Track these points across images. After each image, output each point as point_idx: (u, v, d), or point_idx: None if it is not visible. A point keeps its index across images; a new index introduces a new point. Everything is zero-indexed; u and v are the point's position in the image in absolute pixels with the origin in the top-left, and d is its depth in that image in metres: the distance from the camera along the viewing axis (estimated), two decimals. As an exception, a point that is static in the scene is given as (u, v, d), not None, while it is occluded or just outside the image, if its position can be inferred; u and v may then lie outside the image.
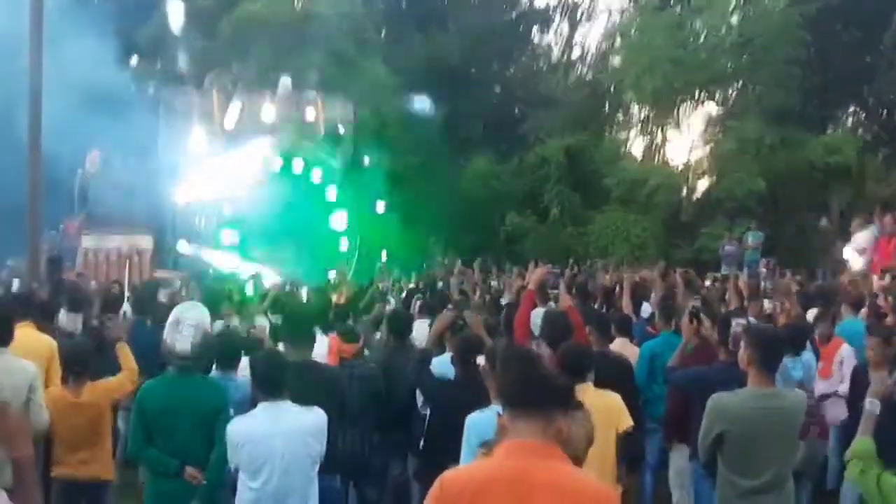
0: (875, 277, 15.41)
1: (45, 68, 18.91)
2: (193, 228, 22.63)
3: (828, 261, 20.47)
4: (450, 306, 9.21)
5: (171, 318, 6.31)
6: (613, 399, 6.03)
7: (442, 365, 7.02)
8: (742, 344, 5.76)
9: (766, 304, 9.78)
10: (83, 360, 6.86)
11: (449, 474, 3.19)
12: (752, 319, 8.32)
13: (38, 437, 6.59)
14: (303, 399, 5.52)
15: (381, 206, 25.21)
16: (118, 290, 13.62)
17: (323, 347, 7.99)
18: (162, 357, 6.41)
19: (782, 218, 27.16)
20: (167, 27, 28.04)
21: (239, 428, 5.42)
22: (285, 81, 24.63)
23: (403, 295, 13.89)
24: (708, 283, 15.08)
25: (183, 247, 21.85)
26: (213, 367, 6.94)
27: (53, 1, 26.80)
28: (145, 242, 20.89)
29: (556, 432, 3.13)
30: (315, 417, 5.45)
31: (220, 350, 6.95)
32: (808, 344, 8.61)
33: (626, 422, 5.98)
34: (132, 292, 11.61)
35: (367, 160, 25.50)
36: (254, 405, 5.62)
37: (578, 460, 3.58)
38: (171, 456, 6.00)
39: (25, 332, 7.44)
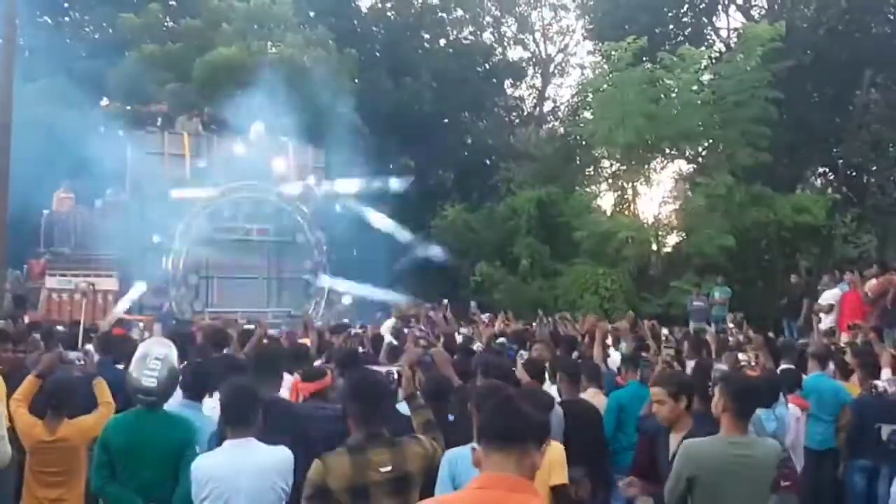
0: (843, 335, 15.54)
1: (15, 106, 18.87)
2: (159, 270, 22.46)
3: (796, 317, 20.56)
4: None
5: (137, 353, 6.22)
6: (554, 449, 5.82)
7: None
8: (716, 391, 5.73)
9: (741, 356, 9.78)
10: (62, 396, 6.75)
11: None
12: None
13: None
14: (268, 437, 5.41)
15: (352, 251, 25.20)
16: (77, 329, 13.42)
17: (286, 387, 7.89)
18: (127, 396, 6.32)
19: (751, 275, 27.29)
20: (138, 69, 28.05)
21: (203, 464, 5.29)
22: (258, 127, 24.62)
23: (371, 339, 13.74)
24: (665, 331, 15.05)
25: (140, 289, 21.61)
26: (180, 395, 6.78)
27: (25, 41, 26.84)
28: (110, 283, 20.74)
29: (531, 466, 3.13)
30: (281, 455, 5.34)
31: (189, 378, 6.81)
32: (781, 397, 8.61)
33: (560, 476, 5.85)
34: (98, 333, 11.40)
35: (337, 206, 25.46)
36: (220, 441, 5.51)
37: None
38: (135, 492, 5.88)
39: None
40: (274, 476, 5.28)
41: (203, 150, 24.14)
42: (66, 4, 35.63)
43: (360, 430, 4.73)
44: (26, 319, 15.65)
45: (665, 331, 14.83)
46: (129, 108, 27.25)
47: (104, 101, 28.77)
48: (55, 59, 26.78)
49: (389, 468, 4.58)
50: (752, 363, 9.31)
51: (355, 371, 6.24)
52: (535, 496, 3.10)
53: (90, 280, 20.52)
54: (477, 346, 11.98)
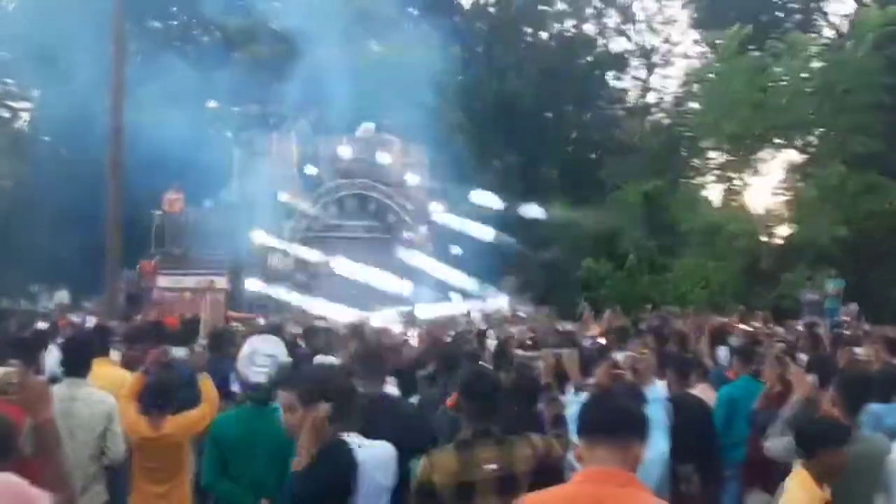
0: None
1: (126, 110, 19.31)
2: (269, 269, 22.79)
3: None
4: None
5: (245, 351, 6.24)
6: None
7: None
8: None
9: (858, 351, 9.46)
10: (166, 393, 6.82)
11: (531, 497, 3.23)
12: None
13: (115, 466, 6.68)
14: (371, 432, 5.38)
15: (455, 248, 25.18)
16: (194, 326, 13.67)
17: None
18: (236, 395, 6.38)
19: (865, 266, 26.59)
20: (245, 70, 28.47)
21: (308, 459, 5.28)
22: (368, 126, 24.82)
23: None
24: (781, 330, 14.70)
25: (255, 286, 22.01)
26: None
27: (136, 46, 27.44)
28: (220, 282, 21.07)
29: (634, 460, 3.10)
30: (383, 451, 5.30)
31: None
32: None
33: None
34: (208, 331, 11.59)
35: (441, 203, 25.53)
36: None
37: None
38: (245, 488, 5.93)
39: (101, 366, 7.51)
40: (376, 471, 5.25)
41: (310, 149, 24.37)
42: (174, 8, 36.34)
43: (470, 426, 4.67)
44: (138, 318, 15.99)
45: (781, 329, 14.48)
46: (236, 109, 27.68)
47: (212, 103, 29.27)
48: (164, 62, 27.32)
49: (496, 466, 4.49)
50: (872, 357, 8.98)
51: (468, 368, 6.20)
52: (643, 491, 3.07)
53: (211, 278, 20.92)
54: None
